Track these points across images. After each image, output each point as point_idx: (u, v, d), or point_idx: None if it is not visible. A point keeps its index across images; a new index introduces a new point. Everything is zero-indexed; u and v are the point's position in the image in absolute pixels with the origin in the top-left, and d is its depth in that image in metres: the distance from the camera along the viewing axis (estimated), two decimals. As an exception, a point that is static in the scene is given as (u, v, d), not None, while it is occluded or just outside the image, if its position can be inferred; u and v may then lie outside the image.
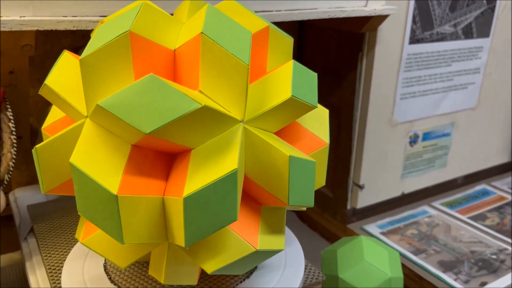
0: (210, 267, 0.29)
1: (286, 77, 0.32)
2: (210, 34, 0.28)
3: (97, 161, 0.27)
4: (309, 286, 0.40)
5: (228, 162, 0.27)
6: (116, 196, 0.26)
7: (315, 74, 0.34)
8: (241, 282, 0.36)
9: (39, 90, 0.31)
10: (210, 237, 0.29)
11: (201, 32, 0.28)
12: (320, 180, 0.36)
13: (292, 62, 0.33)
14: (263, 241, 0.30)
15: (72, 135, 0.29)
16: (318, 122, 0.36)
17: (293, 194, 0.30)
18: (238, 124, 0.29)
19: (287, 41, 0.36)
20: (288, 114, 0.32)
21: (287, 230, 0.45)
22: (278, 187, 0.30)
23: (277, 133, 0.33)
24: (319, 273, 0.41)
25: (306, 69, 0.34)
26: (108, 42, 0.27)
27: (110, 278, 0.37)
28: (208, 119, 0.27)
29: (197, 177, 0.27)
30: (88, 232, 0.32)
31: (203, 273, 0.37)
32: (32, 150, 0.30)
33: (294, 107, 0.31)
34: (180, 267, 0.32)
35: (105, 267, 0.38)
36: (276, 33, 0.35)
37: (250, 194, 0.32)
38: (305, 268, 0.40)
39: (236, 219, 0.27)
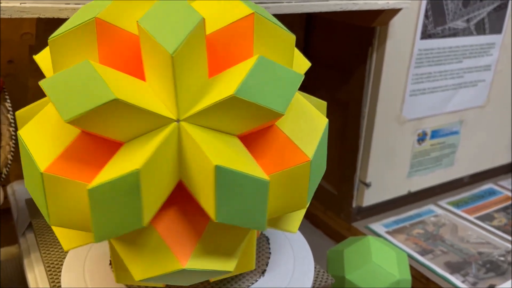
0: (138, 275, 0.28)
1: (240, 73, 0.27)
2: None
3: (40, 137, 0.27)
4: (317, 289, 0.38)
5: (135, 161, 0.25)
6: (41, 173, 0.26)
7: (299, 77, 0.30)
8: (253, 283, 0.35)
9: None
10: (144, 242, 0.28)
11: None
12: (297, 202, 0.30)
13: (257, 57, 0.28)
14: (196, 259, 0.27)
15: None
16: (307, 132, 0.30)
17: (223, 210, 0.26)
18: (172, 123, 0.26)
19: (285, 37, 0.30)
20: (238, 115, 0.27)
21: (297, 233, 0.43)
22: (206, 198, 0.26)
23: (247, 139, 0.29)
24: (328, 276, 0.40)
25: (284, 69, 0.29)
26: (76, 26, 0.28)
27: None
28: (128, 114, 0.25)
29: (108, 171, 0.26)
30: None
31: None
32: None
33: (243, 108, 0.27)
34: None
35: (111, 263, 0.37)
36: (263, 21, 0.29)
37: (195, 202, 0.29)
38: (314, 271, 0.39)
39: (142, 225, 0.25)
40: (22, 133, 0.28)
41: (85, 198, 0.26)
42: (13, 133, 0.43)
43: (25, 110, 0.33)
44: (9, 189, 0.57)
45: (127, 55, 0.29)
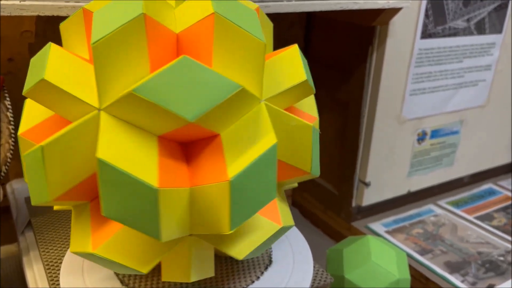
0: (241, 253, 0.29)
1: (296, 61, 0.32)
2: (223, 13, 0.27)
3: (127, 155, 0.25)
4: (317, 288, 0.38)
5: (267, 138, 0.26)
6: (158, 189, 0.25)
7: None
8: (252, 282, 0.35)
9: (25, 90, 0.28)
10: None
11: (214, 12, 0.27)
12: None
13: (296, 46, 0.32)
14: (283, 217, 0.30)
15: (82, 130, 0.27)
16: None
17: (314, 161, 0.31)
18: (260, 103, 0.28)
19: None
20: (296, 95, 0.31)
21: (295, 231, 0.43)
22: (302, 157, 0.30)
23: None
24: (327, 275, 0.40)
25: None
26: (122, 25, 0.25)
27: (118, 278, 0.35)
28: (242, 101, 0.27)
29: (237, 158, 0.26)
30: (99, 240, 0.29)
31: (213, 279, 0.36)
32: (38, 147, 0.27)
33: (303, 89, 0.31)
34: (201, 260, 0.31)
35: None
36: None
37: None
38: (313, 270, 0.39)
39: (275, 197, 0.27)
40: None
41: (186, 202, 0.28)
42: (12, 131, 0.43)
43: None
44: (8, 187, 0.57)
45: (168, 52, 0.29)
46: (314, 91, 0.32)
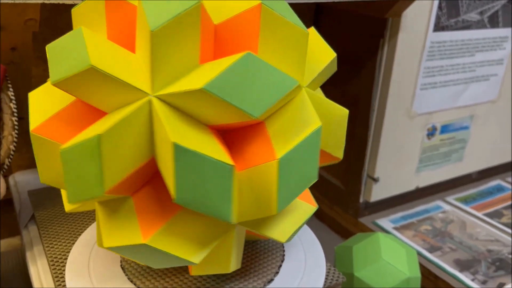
0: (285, 236, 0.29)
1: (320, 41, 0.32)
2: (269, 4, 0.27)
3: (195, 139, 0.25)
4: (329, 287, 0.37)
5: (312, 121, 0.27)
6: (232, 166, 0.25)
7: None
8: (268, 282, 0.34)
9: (57, 79, 0.26)
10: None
11: (261, 3, 0.27)
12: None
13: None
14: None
15: (136, 117, 0.26)
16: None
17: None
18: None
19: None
20: (324, 77, 0.32)
21: (305, 228, 0.42)
22: (336, 143, 0.31)
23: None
24: (339, 274, 0.39)
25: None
26: (181, 12, 0.25)
27: (127, 276, 0.34)
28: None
29: (285, 141, 0.27)
30: (149, 231, 0.28)
31: (224, 277, 0.35)
32: (94, 137, 0.25)
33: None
34: (239, 251, 0.31)
35: (121, 262, 0.35)
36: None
37: None
38: (325, 269, 0.38)
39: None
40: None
41: (244, 186, 0.27)
42: (15, 123, 0.41)
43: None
44: (11, 180, 0.56)
45: (211, 43, 0.29)
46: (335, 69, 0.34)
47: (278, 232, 0.29)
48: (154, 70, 0.26)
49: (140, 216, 0.28)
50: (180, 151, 0.24)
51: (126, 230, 0.27)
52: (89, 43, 0.26)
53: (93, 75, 0.25)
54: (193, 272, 0.31)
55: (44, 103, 0.29)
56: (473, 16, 0.65)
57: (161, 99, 0.26)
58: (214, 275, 0.35)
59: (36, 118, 0.29)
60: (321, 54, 0.32)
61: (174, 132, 0.25)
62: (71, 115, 0.29)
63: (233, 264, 0.30)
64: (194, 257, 0.28)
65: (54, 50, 0.27)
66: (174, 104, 0.26)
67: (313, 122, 0.28)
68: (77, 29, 0.27)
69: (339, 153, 0.32)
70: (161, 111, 0.26)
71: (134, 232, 0.27)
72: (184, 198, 0.25)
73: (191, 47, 0.26)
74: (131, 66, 0.27)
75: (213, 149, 0.26)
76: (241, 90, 0.25)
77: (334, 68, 0.33)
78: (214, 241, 0.28)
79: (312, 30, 0.33)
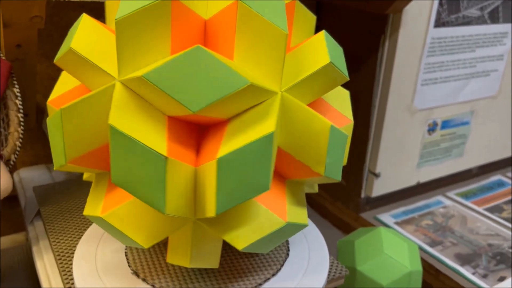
0: (241, 243, 0.28)
1: (321, 45, 0.30)
2: (247, 2, 0.27)
3: (138, 125, 0.26)
4: (332, 280, 0.38)
5: (266, 125, 0.26)
6: (166, 158, 0.25)
7: (341, 48, 0.34)
8: (269, 279, 0.34)
9: (56, 59, 0.30)
10: (239, 211, 0.28)
11: (238, 0, 0.26)
12: (344, 158, 0.34)
13: (324, 32, 0.31)
14: (291, 214, 0.29)
15: (99, 98, 0.28)
16: (341, 100, 0.35)
17: (330, 164, 0.29)
18: (276, 94, 0.28)
19: (310, 17, 0.34)
20: (324, 83, 0.30)
21: (311, 224, 0.43)
22: (314, 157, 0.29)
23: None
24: (342, 267, 0.39)
25: (334, 42, 0.33)
26: (147, 4, 0.26)
27: (130, 267, 0.34)
28: (250, 94, 0.26)
29: (232, 142, 0.26)
30: (108, 206, 0.30)
31: (228, 271, 0.35)
32: (58, 111, 0.28)
33: (330, 75, 0.30)
34: (203, 249, 0.31)
35: (126, 254, 0.36)
36: (301, 8, 0.33)
37: (276, 167, 0.31)
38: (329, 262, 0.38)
39: (268, 188, 0.26)
40: (114, 122, 0.26)
41: (191, 182, 0.27)
42: (21, 119, 0.42)
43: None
44: (15, 176, 0.56)
45: (194, 38, 0.29)
46: (347, 78, 0.31)
47: (235, 237, 0.28)
48: (120, 57, 0.27)
49: (108, 193, 0.30)
50: (115, 133, 0.25)
51: (95, 202, 0.30)
52: (80, 28, 0.29)
53: (71, 57, 0.28)
54: (168, 259, 0.32)
55: (67, 80, 0.33)
56: (474, 12, 0.65)
57: (124, 84, 0.27)
58: (220, 265, 0.35)
59: (56, 92, 0.33)
60: (313, 60, 0.30)
61: (116, 115, 0.26)
62: (80, 92, 0.32)
63: (194, 260, 0.30)
64: (143, 241, 0.29)
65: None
66: (135, 90, 0.27)
67: (266, 127, 0.26)
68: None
69: (319, 169, 0.29)
70: (118, 94, 0.27)
71: (98, 206, 0.29)
72: (119, 179, 0.26)
73: (160, 39, 0.27)
74: (113, 53, 0.29)
75: (152, 138, 0.26)
76: (183, 82, 0.25)
77: (336, 78, 0.31)
78: (166, 231, 0.29)
79: (320, 34, 0.31)
